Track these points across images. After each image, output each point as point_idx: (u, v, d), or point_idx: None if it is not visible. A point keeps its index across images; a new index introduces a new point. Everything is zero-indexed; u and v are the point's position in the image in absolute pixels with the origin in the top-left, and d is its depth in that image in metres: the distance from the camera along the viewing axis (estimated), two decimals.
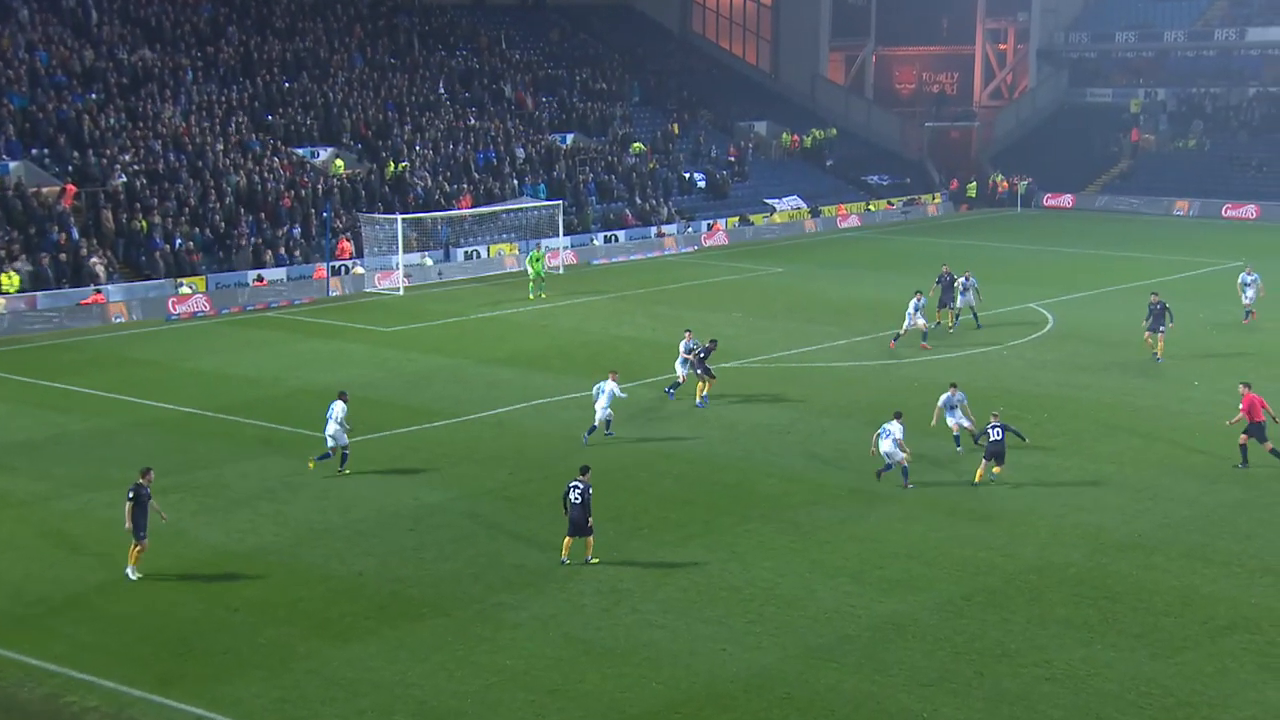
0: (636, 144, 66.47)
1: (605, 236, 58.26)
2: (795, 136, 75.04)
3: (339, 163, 55.11)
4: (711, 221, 62.77)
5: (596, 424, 28.50)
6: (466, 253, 53.62)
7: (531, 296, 45.71)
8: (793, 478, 26.31)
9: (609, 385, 28.48)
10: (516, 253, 54.03)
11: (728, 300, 45.57)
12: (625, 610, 20.25)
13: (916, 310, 36.38)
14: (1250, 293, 40.39)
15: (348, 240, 50.08)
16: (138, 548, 21.39)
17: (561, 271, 51.89)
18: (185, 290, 44.66)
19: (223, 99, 55.24)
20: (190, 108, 53.80)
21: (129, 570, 21.35)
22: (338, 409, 26.30)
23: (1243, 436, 26.56)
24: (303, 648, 19.14)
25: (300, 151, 55.14)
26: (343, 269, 49.08)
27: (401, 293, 47.91)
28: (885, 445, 25.73)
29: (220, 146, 51.88)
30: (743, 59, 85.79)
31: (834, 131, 76.71)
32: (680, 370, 31.97)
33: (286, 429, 29.74)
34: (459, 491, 25.54)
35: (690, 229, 61.15)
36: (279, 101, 56.80)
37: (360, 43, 63.86)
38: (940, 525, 23.67)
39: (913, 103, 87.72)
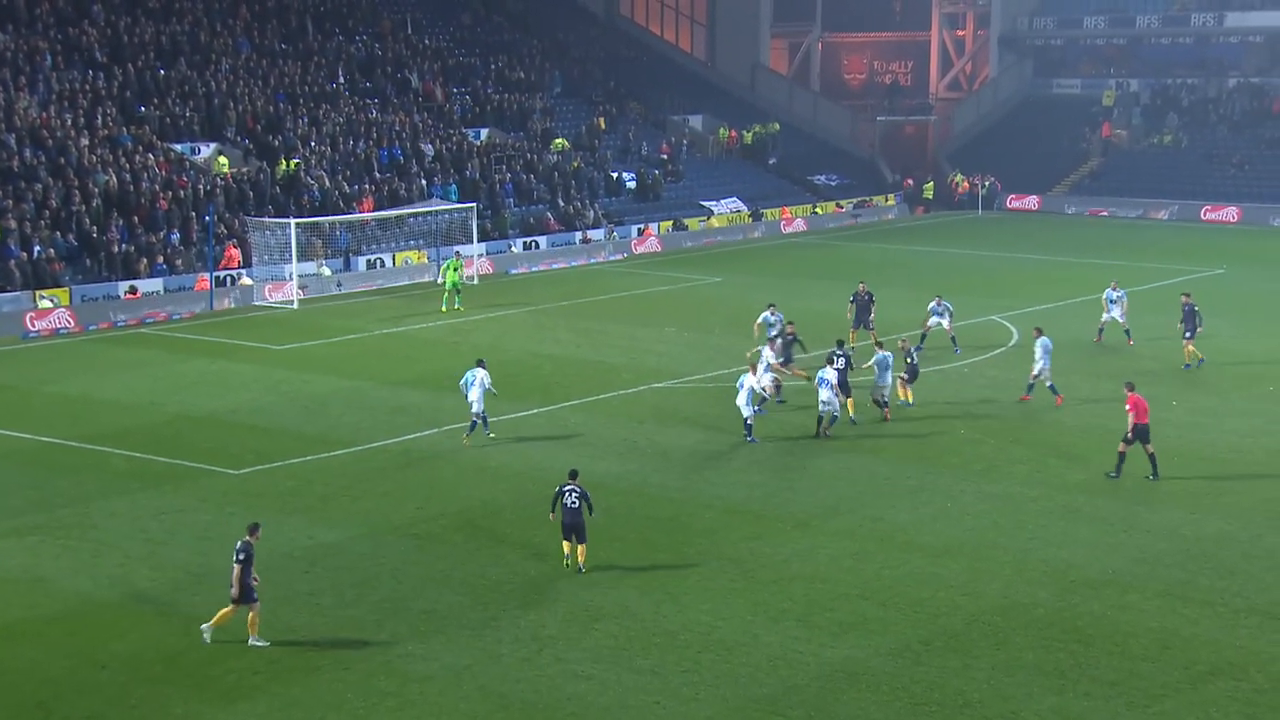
0: (558, 140, 66.63)
1: (524, 243, 58.30)
2: (734, 132, 75.65)
3: (223, 160, 54.68)
4: (642, 226, 63.03)
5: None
6: (369, 261, 53.40)
7: (445, 309, 45.67)
8: (733, 510, 26.45)
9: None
10: (425, 261, 53.91)
11: (660, 313, 45.74)
12: (548, 659, 20.23)
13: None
14: (1116, 311, 40.00)
15: (234, 247, 49.67)
16: (253, 613, 20.55)
17: (475, 282, 51.78)
18: (45, 304, 44.04)
19: (87, 88, 54.60)
20: (50, 97, 53.12)
21: (253, 639, 20.55)
22: (481, 375, 29.93)
23: (1122, 445, 27.87)
24: (180, 709, 18.89)
25: (178, 148, 54.65)
26: (228, 280, 48.66)
27: (295, 306, 47.57)
28: (824, 394, 28.18)
29: (85, 142, 51.26)
30: (676, 46, 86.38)
31: (776, 126, 77.42)
32: (759, 382, 31.18)
33: (163, 460, 29.38)
34: (360, 529, 25.41)
35: (618, 234, 61.34)
36: (153, 91, 56.27)
37: (246, 25, 63.46)
38: (895, 562, 23.89)
39: (863, 95, 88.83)
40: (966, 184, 76.12)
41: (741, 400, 30.50)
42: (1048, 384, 34.01)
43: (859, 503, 26.91)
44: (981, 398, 34.53)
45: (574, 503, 23.15)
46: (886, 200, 74.84)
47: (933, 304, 39.32)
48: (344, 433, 31.55)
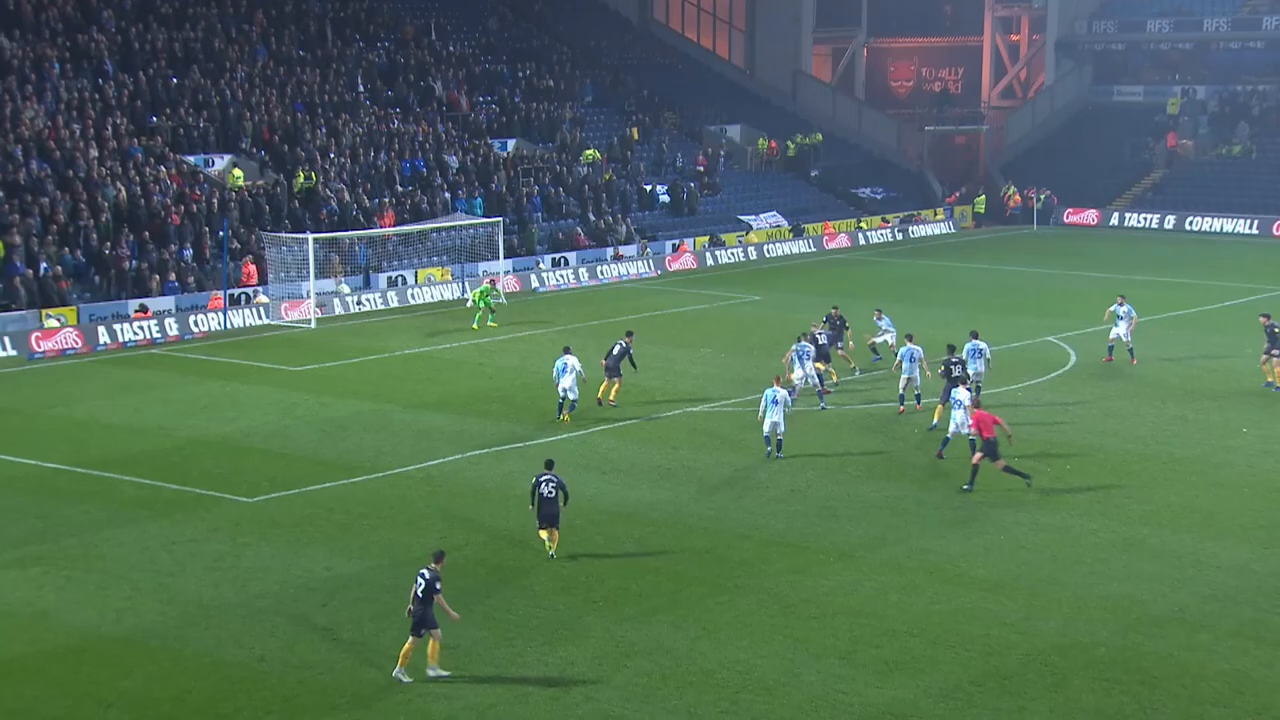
0: (589, 151, 66.82)
1: (553, 259, 58.45)
2: (774, 143, 75.69)
3: (238, 173, 55.06)
4: (677, 242, 63.08)
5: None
6: (390, 279, 53.62)
7: (476, 326, 45.89)
8: (773, 540, 26.38)
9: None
10: (449, 279, 54.11)
11: (696, 334, 45.73)
12: (577, 699, 20.18)
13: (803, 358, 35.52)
14: (1123, 326, 40.04)
15: (250, 264, 49.98)
16: (434, 641, 20.55)
17: (503, 300, 51.95)
18: (52, 323, 44.37)
19: (96, 97, 55.10)
20: (57, 107, 53.62)
21: (432, 670, 20.59)
22: (572, 361, 33.95)
23: (976, 457, 28.99)
24: None
25: (191, 160, 55.09)
26: (243, 298, 48.94)
27: (313, 326, 47.80)
28: (957, 416, 29.98)
29: (94, 153, 51.72)
30: (713, 52, 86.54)
31: (819, 137, 77.44)
32: (800, 370, 35.34)
33: (173, 487, 29.52)
34: (381, 559, 25.44)
35: (652, 250, 61.40)
36: (165, 101, 56.73)
37: (263, 32, 63.97)
38: (945, 596, 23.76)
39: (910, 103, 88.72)
40: (1020, 198, 75.89)
41: (775, 416, 30.98)
42: (1128, 346, 37.97)
43: (906, 533, 26.79)
44: (1037, 422, 34.35)
45: (551, 492, 25.00)
46: (935, 215, 74.65)
47: (970, 345, 38.92)
48: (364, 458, 31.64)
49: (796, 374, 35.51)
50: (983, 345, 35.85)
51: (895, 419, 34.92)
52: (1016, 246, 67.84)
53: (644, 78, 77.62)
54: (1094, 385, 38.36)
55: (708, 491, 29.35)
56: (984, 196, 76.58)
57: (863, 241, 69.01)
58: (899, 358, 35.38)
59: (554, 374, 34.54)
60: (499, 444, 32.70)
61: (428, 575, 20.72)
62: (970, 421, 29.59)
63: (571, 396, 34.27)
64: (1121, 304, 40.60)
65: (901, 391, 35.30)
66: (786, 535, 26.70)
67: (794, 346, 36.14)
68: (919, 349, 35.09)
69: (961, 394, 31.01)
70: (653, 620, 22.78)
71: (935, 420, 33.48)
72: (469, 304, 46.62)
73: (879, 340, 40.19)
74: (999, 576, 24.64)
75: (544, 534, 25.27)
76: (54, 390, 38.77)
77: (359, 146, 59.40)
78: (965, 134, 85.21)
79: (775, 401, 31.20)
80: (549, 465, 25.72)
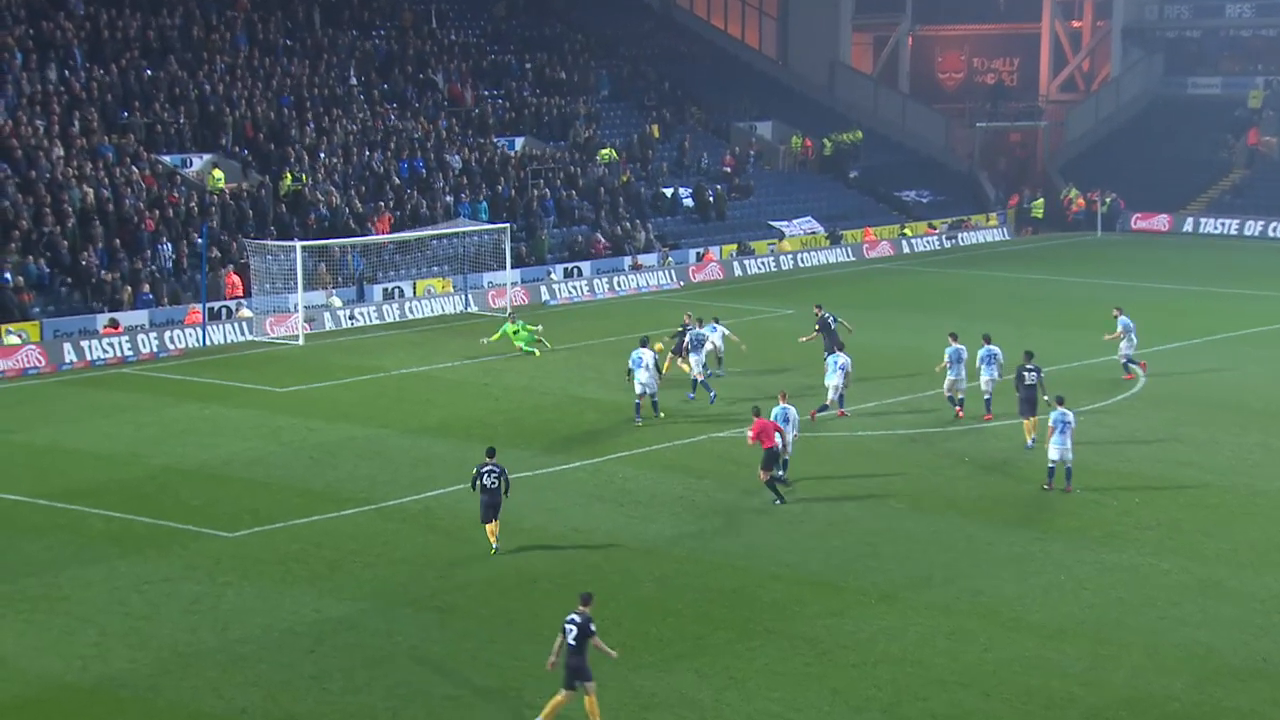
0: (605, 150, 66.95)
1: (565, 269, 58.51)
2: (809, 141, 75.75)
3: (218, 174, 55.29)
4: (702, 250, 63.11)
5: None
6: (385, 290, 53.73)
7: (525, 348, 44.59)
8: (807, 579, 26.33)
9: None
10: (450, 291, 54.19)
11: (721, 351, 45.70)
12: None
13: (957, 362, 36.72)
14: (1133, 339, 41.23)
15: (233, 275, 50.09)
16: (590, 696, 20.39)
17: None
18: (12, 339, 44.53)
19: (63, 90, 55.37)
20: (19, 101, 53.89)
21: None
22: (649, 355, 35.85)
23: (762, 473, 30.27)
24: None
25: (167, 159, 55.31)
26: (224, 311, 49.09)
27: (301, 342, 47.89)
28: (1056, 445, 30.61)
29: (60, 152, 51.98)
30: (742, 41, 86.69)
31: (859, 134, 77.47)
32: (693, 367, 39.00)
33: (146, 520, 29.56)
34: (373, 600, 25.44)
35: (674, 260, 61.44)
36: (139, 94, 56.98)
37: (246, 19, 64.28)
38: (1000, 643, 23.67)
39: (960, 97, 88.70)
40: (1083, 201, 75.77)
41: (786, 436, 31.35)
42: (1123, 361, 38.89)
43: (956, 572, 26.70)
44: (1102, 450, 34.22)
45: (493, 483, 27.03)
46: (988, 220, 74.59)
47: (985, 350, 39.05)
48: (356, 488, 31.65)
49: (694, 365, 38.95)
50: (996, 350, 36.70)
51: (942, 443, 34.84)
52: (1078, 255, 67.71)
53: (666, 69, 77.77)
54: (1165, 410, 38.21)
55: (735, 525, 29.30)
56: (1042, 200, 76.44)
57: (907, 250, 68.97)
58: (945, 359, 36.60)
59: (629, 366, 36.78)
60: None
61: (579, 620, 20.59)
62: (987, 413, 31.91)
63: (650, 391, 36.41)
64: (1120, 313, 41.28)
65: (948, 394, 36.80)
66: (823, 574, 26.63)
67: (691, 331, 39.68)
68: (964, 348, 36.59)
69: (1061, 413, 30.90)
70: (675, 668, 22.72)
71: (1030, 439, 33.78)
72: (486, 342, 45.39)
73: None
74: (1060, 621, 24.52)
75: (490, 529, 27.11)
76: (14, 414, 38.83)
77: (352, 145, 59.60)
78: (1021, 131, 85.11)
79: (786, 420, 31.45)
80: (490, 454, 27.59)
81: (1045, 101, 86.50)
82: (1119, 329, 40.97)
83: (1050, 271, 62.54)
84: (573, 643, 20.51)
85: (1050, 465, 31.07)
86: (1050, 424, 31.14)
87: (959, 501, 30.79)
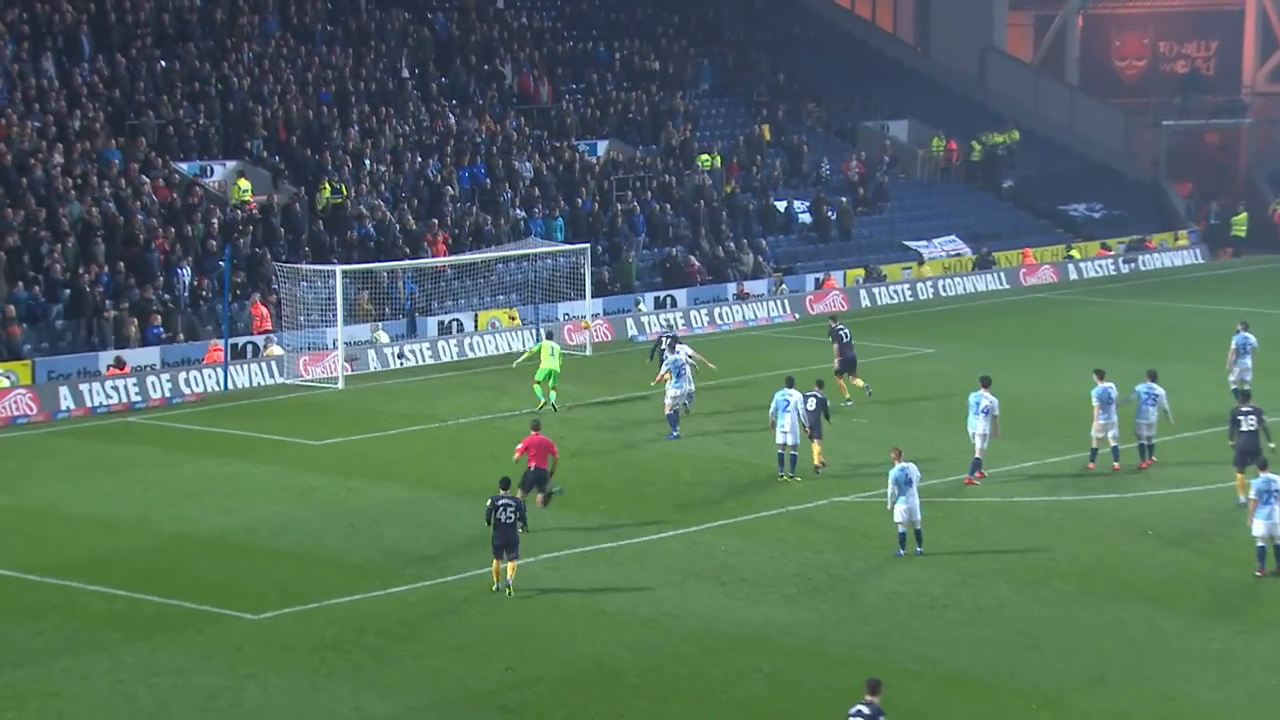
0: (705, 156, 66.87)
1: (656, 299, 58.40)
2: (954, 144, 75.35)
3: (244, 184, 55.68)
4: (822, 275, 62.86)
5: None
6: (441, 323, 53.80)
7: (543, 401, 44.59)
8: (953, 678, 26.05)
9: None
10: (519, 325, 54.10)
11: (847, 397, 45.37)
12: None
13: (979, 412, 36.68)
14: (1247, 362, 42.53)
15: (260, 305, 50.29)
16: None
17: (589, 353, 51.79)
18: (0, 382, 44.86)
19: (61, 85, 55.92)
20: (9, 97, 54.48)
21: None
22: (796, 399, 36.21)
23: (519, 493, 31.89)
24: None
25: (184, 167, 55.76)
26: (249, 349, 49.32)
27: (341, 385, 48.02)
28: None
29: (58, 159, 52.46)
30: (873, 24, 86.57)
31: (1015, 135, 76.99)
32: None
33: (155, 600, 29.58)
34: (426, 697, 25.35)
35: (788, 287, 61.20)
36: (150, 89, 57.47)
37: (279, 1, 64.71)
38: None
39: (1143, 89, 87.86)
40: None
41: (902, 510, 31.43)
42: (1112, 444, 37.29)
43: (1136, 671, 26.28)
44: None
45: (509, 518, 28.96)
46: (1176, 239, 73.80)
47: (1145, 388, 38.59)
48: (404, 562, 31.56)
49: (671, 394, 41.04)
50: (1159, 390, 36.93)
51: (1117, 511, 34.39)
52: None
53: (780, 58, 77.68)
54: None
55: (863, 610, 28.98)
56: (1245, 214, 75.65)
57: (1074, 275, 68.39)
58: (1094, 400, 37.17)
59: (770, 412, 36.63)
60: (584, 544, 32.53)
61: (868, 712, 20.54)
62: None
63: (791, 442, 36.43)
64: (1244, 331, 42.32)
65: (1096, 441, 37.25)
66: (971, 671, 26.30)
67: (669, 358, 41.89)
68: (1113, 387, 37.26)
69: (1267, 480, 30.25)
70: None
71: (1242, 496, 33.34)
72: (516, 365, 46.06)
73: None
74: None
75: (497, 566, 29.01)
76: (0, 470, 39.01)
77: (403, 150, 59.89)
78: (1220, 130, 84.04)
79: (909, 482, 31.42)
80: (504, 485, 29.81)
81: (1250, 94, 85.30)
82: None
83: (1254, 302, 61.50)
84: None
85: (1259, 545, 30.40)
86: (1253, 493, 30.47)
87: (1139, 584, 30.31)
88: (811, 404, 36.90)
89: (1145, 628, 28.11)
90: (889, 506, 31.67)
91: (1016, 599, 29.56)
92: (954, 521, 33.66)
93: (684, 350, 43.07)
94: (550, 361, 43.87)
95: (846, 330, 44.99)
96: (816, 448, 37.19)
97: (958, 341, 54.29)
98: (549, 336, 45.57)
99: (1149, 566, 31.27)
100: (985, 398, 36.41)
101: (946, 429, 40.19)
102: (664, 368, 41.90)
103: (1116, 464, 37.06)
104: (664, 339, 45.29)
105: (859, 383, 44.38)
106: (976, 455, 36.40)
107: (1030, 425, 41.06)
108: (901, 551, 31.50)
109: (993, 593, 29.85)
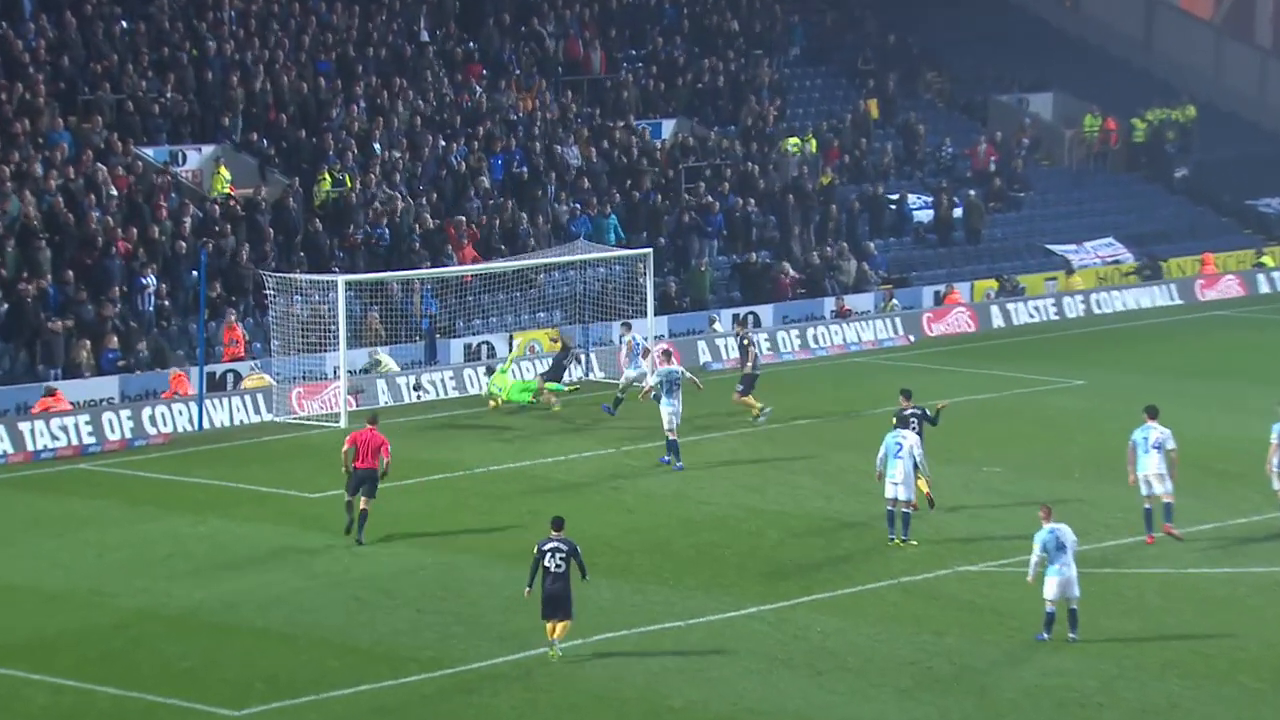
0: (794, 139, 66.84)
1: (736, 316, 58.39)
2: (1112, 122, 75.09)
3: (224, 173, 55.97)
4: (943, 288, 62.81)
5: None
6: (468, 347, 53.96)
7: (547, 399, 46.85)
8: None
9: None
10: (558, 348, 54.19)
11: (972, 440, 45.53)
12: None
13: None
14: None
15: (236, 326, 50.45)
16: None
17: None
18: None
19: None
20: None
21: None
22: (912, 441, 36.71)
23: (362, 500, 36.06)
24: None
25: (149, 153, 56.04)
26: (229, 377, 49.52)
27: (344, 424, 48.11)
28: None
29: None
30: None
31: (1191, 111, 76.72)
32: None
33: (111, 691, 29.66)
34: None
35: (900, 303, 61.14)
36: (108, 57, 57.69)
37: None
38: None
39: None
40: None
41: (1053, 583, 31.09)
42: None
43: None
44: None
45: (559, 565, 28.80)
46: None
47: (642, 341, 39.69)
48: (421, 644, 31.60)
49: (667, 412, 42.55)
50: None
51: None
52: None
53: (890, 17, 77.72)
54: None
55: (996, 709, 28.84)
56: None
57: (1265, 288, 68.38)
58: (1274, 436, 37.48)
59: (879, 459, 37.00)
60: (644, 623, 32.45)
61: None
62: None
63: (904, 496, 36.71)
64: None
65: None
66: None
67: (660, 369, 43.75)
68: None
69: None
70: None
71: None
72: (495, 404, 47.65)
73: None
74: None
75: (550, 628, 29.15)
76: None
77: (420, 131, 60.09)
78: None
79: (1061, 548, 31.07)
80: (557, 526, 29.56)
81: None
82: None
83: None
84: None
85: None
86: None
87: None
88: (913, 427, 37.74)
89: None
90: (1029, 577, 31.44)
91: (1193, 698, 29.30)
92: (1113, 598, 33.51)
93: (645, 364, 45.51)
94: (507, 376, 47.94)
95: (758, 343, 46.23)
96: (923, 484, 37.73)
97: (1115, 371, 54.20)
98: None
99: None
100: (1155, 430, 36.26)
101: (1100, 479, 40.14)
102: (653, 378, 43.17)
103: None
104: (638, 344, 47.65)
105: (755, 404, 46.27)
106: (1149, 505, 36.23)
107: (1209, 477, 40.93)
108: (1046, 635, 31.22)
109: (1162, 690, 29.62)
